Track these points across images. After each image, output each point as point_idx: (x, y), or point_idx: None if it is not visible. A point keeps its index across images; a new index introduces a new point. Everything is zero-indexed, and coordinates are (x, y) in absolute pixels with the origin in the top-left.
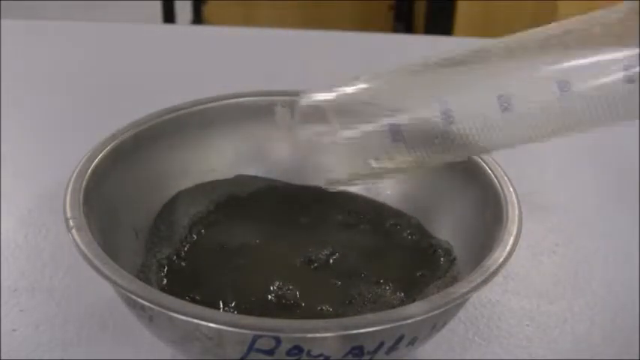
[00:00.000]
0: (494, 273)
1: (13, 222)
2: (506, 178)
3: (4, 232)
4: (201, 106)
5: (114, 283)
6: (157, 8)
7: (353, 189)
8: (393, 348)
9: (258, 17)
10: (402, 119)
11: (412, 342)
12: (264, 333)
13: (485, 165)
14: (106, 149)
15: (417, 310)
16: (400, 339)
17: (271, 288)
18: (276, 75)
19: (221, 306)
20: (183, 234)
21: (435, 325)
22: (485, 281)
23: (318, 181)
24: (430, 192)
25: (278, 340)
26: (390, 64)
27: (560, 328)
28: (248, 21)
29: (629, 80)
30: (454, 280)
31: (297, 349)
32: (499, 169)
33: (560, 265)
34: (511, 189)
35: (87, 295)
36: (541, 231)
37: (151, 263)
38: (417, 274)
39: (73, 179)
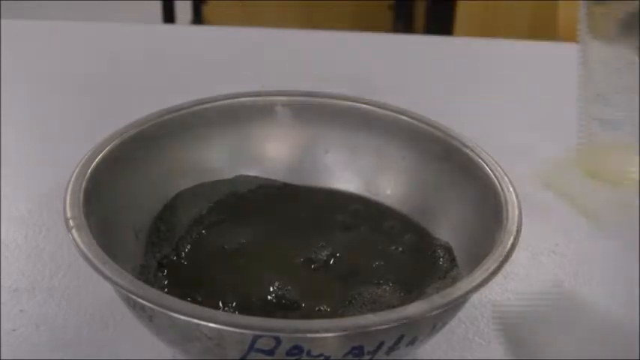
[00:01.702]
0: (494, 273)
1: (13, 222)
2: (506, 178)
3: (4, 232)
4: (201, 106)
5: (114, 283)
6: (157, 8)
7: (353, 190)
8: (393, 348)
9: (258, 17)
10: None
11: (412, 342)
12: (264, 333)
13: (485, 165)
14: (106, 149)
15: (417, 310)
16: (400, 339)
17: (271, 288)
18: (277, 75)
19: (221, 306)
20: (184, 234)
21: (435, 325)
22: (485, 281)
23: (318, 181)
24: (430, 192)
25: (278, 340)
26: (390, 64)
27: (560, 328)
28: (248, 21)
29: None
30: (454, 280)
31: (297, 349)
32: (499, 169)
33: (560, 265)
34: (511, 189)
35: (87, 295)
36: (541, 231)
37: (150, 263)
38: (417, 274)
39: (73, 179)
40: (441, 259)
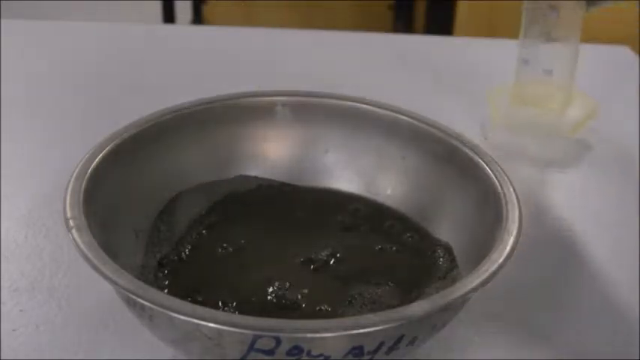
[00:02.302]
0: (495, 273)
1: (13, 222)
2: (506, 178)
3: (4, 232)
4: (201, 106)
5: (114, 283)
6: (157, 8)
7: (353, 190)
8: (393, 348)
9: (258, 17)
10: None
11: (412, 342)
12: (264, 333)
13: (485, 165)
14: (106, 149)
15: (417, 310)
16: (400, 339)
17: (271, 288)
18: (276, 75)
19: (221, 306)
20: (184, 234)
21: (435, 325)
22: (485, 281)
23: (318, 181)
24: (430, 192)
25: (278, 340)
26: (390, 64)
27: (560, 328)
28: (248, 21)
29: None
30: (454, 280)
31: (297, 349)
32: (499, 169)
33: (561, 264)
34: (511, 189)
35: (87, 295)
36: (541, 231)
37: (151, 263)
38: (417, 274)
39: (73, 179)
40: (441, 259)
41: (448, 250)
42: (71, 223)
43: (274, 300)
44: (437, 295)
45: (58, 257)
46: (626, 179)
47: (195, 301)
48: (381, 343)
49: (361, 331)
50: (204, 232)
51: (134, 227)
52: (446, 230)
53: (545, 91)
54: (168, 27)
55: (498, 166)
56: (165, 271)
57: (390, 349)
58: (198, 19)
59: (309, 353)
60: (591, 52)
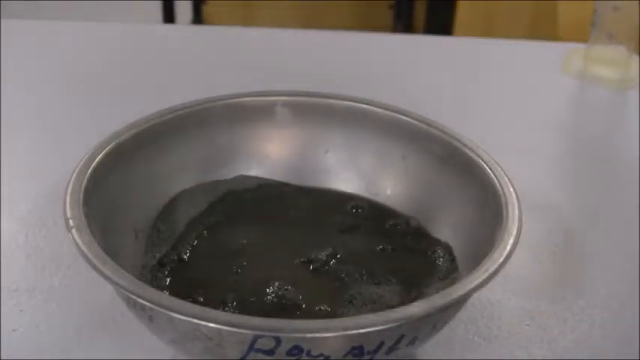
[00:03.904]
0: (494, 273)
1: (13, 222)
2: (506, 178)
3: (4, 232)
4: (201, 106)
5: (114, 283)
6: (157, 8)
7: (353, 190)
8: (393, 348)
9: (258, 17)
10: None
11: (412, 342)
12: (264, 333)
13: (485, 165)
14: (106, 149)
15: (417, 310)
16: (400, 339)
17: (271, 288)
18: (276, 75)
19: (221, 306)
20: (184, 234)
21: (435, 325)
22: (485, 281)
23: (318, 181)
24: (430, 192)
25: (278, 340)
26: (390, 64)
27: (560, 328)
28: (248, 21)
29: None
30: (454, 280)
31: (297, 349)
32: (499, 169)
33: (560, 265)
34: (511, 189)
35: (87, 295)
36: (541, 231)
37: (150, 263)
38: (417, 274)
39: (73, 179)
40: (441, 259)
41: (448, 250)
42: (71, 223)
43: (274, 300)
44: (437, 295)
45: (58, 257)
46: (626, 180)
47: (195, 301)
48: (381, 343)
49: (361, 331)
50: (204, 232)
51: (134, 227)
52: (446, 230)
53: (611, 53)
54: (168, 27)
55: (498, 166)
56: (166, 271)
57: (390, 349)
58: (198, 19)
59: (309, 353)
60: None
